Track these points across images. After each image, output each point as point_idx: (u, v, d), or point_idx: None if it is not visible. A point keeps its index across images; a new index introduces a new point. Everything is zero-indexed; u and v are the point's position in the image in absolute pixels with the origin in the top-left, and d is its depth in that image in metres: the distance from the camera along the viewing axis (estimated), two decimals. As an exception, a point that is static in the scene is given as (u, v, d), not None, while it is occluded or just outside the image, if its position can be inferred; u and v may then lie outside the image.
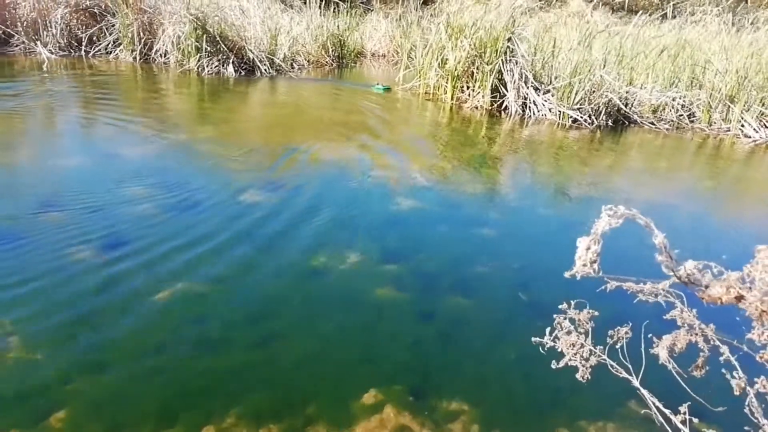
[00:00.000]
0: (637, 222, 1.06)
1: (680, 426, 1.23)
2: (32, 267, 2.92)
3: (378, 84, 10.02)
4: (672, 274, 1.04)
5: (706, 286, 1.01)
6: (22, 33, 9.52)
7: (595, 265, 1.07)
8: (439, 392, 2.34)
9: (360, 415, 2.17)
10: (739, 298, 0.98)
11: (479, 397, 2.35)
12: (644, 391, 1.31)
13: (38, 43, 9.60)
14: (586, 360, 1.30)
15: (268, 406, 2.17)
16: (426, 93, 9.58)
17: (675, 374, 1.27)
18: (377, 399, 2.26)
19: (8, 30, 9.47)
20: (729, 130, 8.72)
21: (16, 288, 2.74)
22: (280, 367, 2.43)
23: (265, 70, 10.08)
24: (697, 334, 1.22)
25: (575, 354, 1.30)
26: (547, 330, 1.38)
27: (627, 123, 8.60)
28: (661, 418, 1.32)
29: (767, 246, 0.95)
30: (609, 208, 1.04)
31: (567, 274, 1.11)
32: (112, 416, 2.05)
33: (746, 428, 1.33)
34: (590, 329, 1.33)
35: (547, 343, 1.36)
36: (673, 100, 8.88)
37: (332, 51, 12.69)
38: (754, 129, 8.54)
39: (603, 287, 1.20)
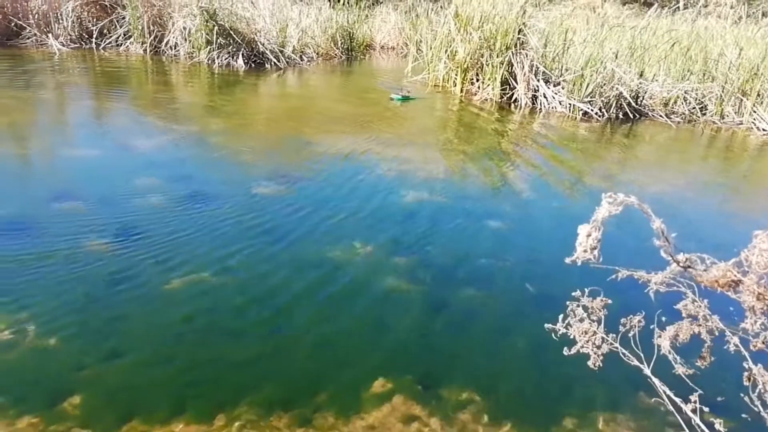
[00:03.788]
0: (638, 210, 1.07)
1: (691, 415, 1.24)
2: (47, 256, 2.96)
3: (400, 92, 8.20)
4: (670, 258, 1.05)
5: (704, 270, 1.02)
6: (34, 25, 9.58)
7: (596, 252, 1.08)
8: (448, 382, 2.36)
9: (369, 404, 2.18)
10: (737, 282, 0.98)
11: (489, 387, 2.36)
12: (655, 380, 1.32)
13: (50, 35, 9.65)
14: (598, 347, 1.31)
15: (279, 395, 2.20)
16: (435, 85, 9.54)
17: (684, 364, 1.27)
18: (387, 388, 2.28)
19: (20, 22, 9.53)
20: (741, 123, 8.62)
21: (32, 277, 2.78)
22: (290, 356, 2.45)
23: (275, 62, 10.08)
24: (700, 325, 1.22)
25: (587, 341, 1.30)
26: (560, 317, 1.39)
27: (638, 116, 8.53)
28: (671, 407, 1.33)
29: (764, 231, 0.95)
30: (609, 195, 1.05)
31: (568, 260, 1.11)
32: (125, 402, 2.09)
33: (756, 417, 1.33)
34: (603, 317, 1.33)
35: (559, 330, 1.36)
36: (686, 92, 8.78)
37: (341, 43, 12.66)
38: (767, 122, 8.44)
39: (613, 277, 1.20)
